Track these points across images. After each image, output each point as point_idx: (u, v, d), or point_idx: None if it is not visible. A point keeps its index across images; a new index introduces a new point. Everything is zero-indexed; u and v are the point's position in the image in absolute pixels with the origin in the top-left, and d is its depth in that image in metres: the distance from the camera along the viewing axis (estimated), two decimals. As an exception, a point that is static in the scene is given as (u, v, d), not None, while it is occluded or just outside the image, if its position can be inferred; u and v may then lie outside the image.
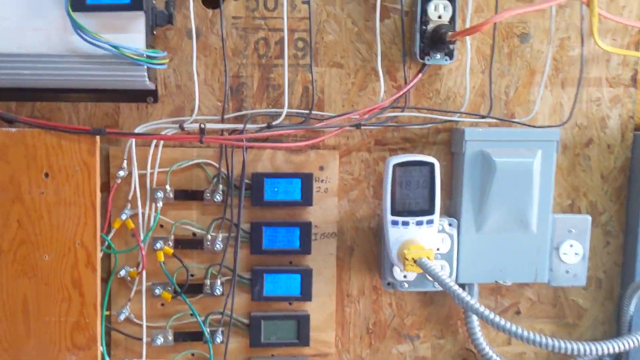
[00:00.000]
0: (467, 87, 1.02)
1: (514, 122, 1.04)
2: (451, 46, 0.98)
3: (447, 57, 0.99)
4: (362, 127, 1.01)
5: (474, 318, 1.03)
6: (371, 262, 1.07)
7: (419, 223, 0.93)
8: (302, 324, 1.03)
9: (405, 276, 1.00)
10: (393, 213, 0.93)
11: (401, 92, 0.99)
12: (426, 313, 1.09)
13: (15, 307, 0.95)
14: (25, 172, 0.93)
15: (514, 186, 0.99)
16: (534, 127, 1.04)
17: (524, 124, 1.04)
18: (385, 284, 1.02)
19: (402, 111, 1.01)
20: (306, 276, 1.02)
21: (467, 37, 1.00)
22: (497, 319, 0.82)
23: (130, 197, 0.99)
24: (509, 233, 1.01)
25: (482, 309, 0.82)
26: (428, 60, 0.99)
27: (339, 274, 1.06)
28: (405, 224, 0.93)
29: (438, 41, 0.95)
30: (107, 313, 1.01)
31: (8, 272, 0.94)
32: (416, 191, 0.93)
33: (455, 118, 1.03)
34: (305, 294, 1.02)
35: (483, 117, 1.03)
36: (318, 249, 1.04)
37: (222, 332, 1.02)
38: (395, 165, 0.92)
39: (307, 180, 1.00)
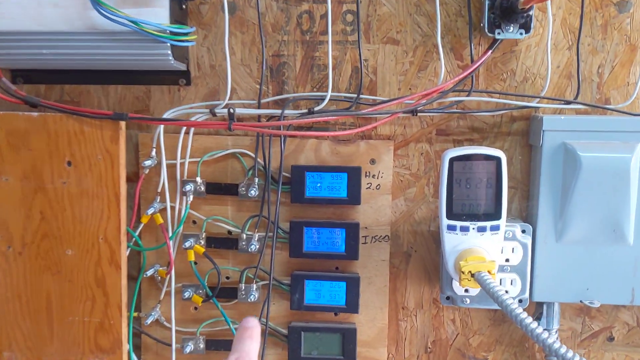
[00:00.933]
0: (549, 67, 0.85)
1: (608, 108, 0.85)
2: (527, 16, 0.81)
3: (522, 30, 0.82)
4: (419, 114, 0.86)
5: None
6: (431, 271, 0.92)
7: (481, 229, 0.78)
8: (347, 338, 0.90)
9: (466, 290, 0.85)
10: (449, 216, 0.78)
11: (466, 73, 0.83)
12: (497, 333, 0.93)
13: (39, 305, 0.89)
14: (48, 160, 0.86)
15: (604, 187, 0.81)
16: (634, 115, 0.85)
17: (621, 112, 0.85)
18: (444, 298, 0.87)
19: (467, 95, 0.86)
20: (352, 284, 0.89)
21: (549, 6, 0.82)
22: (567, 352, 0.65)
23: (159, 189, 0.90)
24: (597, 245, 0.83)
25: (544, 336, 0.65)
26: (499, 34, 0.82)
27: (392, 283, 0.92)
28: (465, 229, 0.78)
29: (509, 11, 0.79)
30: (136, 314, 0.93)
31: (32, 266, 0.88)
32: (478, 191, 0.78)
33: (534, 104, 0.86)
34: (351, 305, 0.89)
35: (568, 102, 0.86)
36: (368, 254, 0.90)
37: (258, 342, 0.91)
38: (453, 159, 0.77)
39: (354, 175, 0.87)
